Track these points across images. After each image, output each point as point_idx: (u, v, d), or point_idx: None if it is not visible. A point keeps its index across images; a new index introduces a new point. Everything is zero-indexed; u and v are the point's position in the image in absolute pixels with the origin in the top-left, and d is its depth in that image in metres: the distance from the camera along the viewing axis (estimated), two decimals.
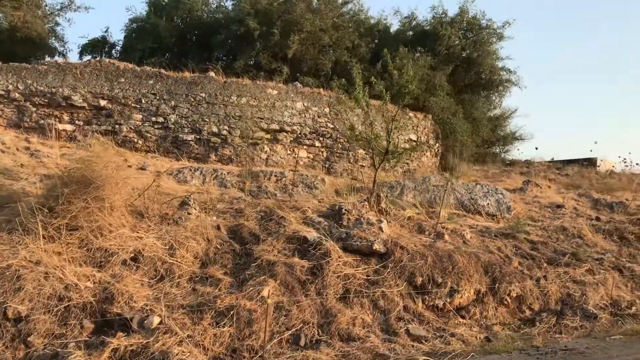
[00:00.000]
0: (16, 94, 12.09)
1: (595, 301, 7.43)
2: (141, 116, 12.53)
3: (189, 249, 6.07)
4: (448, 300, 6.49)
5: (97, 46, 17.53)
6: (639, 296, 8.04)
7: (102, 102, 12.44)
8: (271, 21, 15.60)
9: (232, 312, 5.15)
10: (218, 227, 6.71)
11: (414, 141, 16.29)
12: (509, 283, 7.02)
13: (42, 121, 12.06)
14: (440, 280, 6.58)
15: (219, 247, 6.35)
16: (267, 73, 15.34)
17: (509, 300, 6.95)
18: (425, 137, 16.90)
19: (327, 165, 13.99)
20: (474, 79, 18.71)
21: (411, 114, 16.40)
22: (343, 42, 16.23)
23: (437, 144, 17.76)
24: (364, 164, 14.72)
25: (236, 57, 15.62)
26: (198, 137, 12.64)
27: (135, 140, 12.40)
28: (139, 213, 6.42)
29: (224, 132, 12.75)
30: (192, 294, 5.51)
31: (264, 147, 13.08)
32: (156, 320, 4.87)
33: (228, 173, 10.44)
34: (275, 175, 10.50)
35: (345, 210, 7.36)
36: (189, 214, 6.72)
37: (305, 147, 13.77)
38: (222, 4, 17.90)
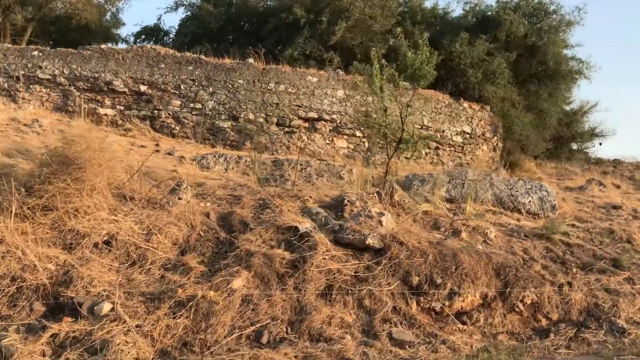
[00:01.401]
0: (62, 79, 12.45)
1: (628, 314, 6.54)
2: (180, 102, 12.55)
3: (168, 234, 5.84)
4: (446, 303, 5.89)
5: (149, 34, 17.85)
6: None
7: (143, 88, 12.57)
8: (320, 8, 15.20)
9: (191, 303, 4.86)
10: (207, 214, 6.44)
11: (468, 133, 15.44)
12: (524, 288, 6.30)
13: (84, 105, 12.33)
14: (439, 281, 5.98)
15: (202, 234, 6.08)
16: (317, 62, 14.97)
17: (522, 308, 6.23)
18: (482, 129, 15.96)
19: (367, 157, 13.48)
20: (538, 68, 17.46)
21: (465, 105, 15.56)
22: (395, 29, 15.56)
23: (496, 137, 16.73)
24: (407, 156, 14.08)
25: (285, 46, 15.38)
26: (234, 124, 12.51)
27: (173, 126, 12.44)
28: (126, 196, 6.26)
29: (260, 120, 12.55)
30: (159, 282, 5.27)
31: (301, 136, 12.75)
32: (107, 306, 4.66)
33: (254, 162, 10.19)
34: (300, 164, 10.14)
35: (348, 201, 6.88)
36: (179, 198, 6.50)
37: (345, 136, 13.34)
38: None
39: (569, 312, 6.41)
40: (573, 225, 9.26)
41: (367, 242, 6.06)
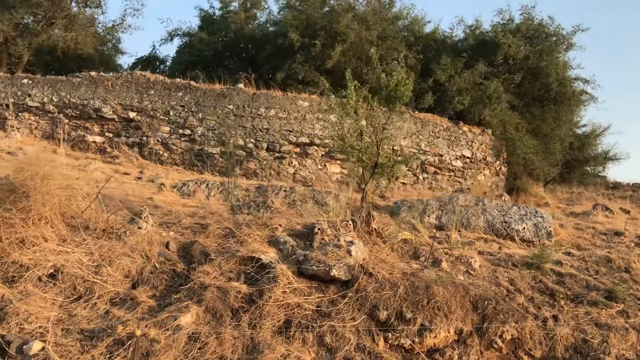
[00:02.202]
0: (50, 106, 12.36)
1: (619, 351, 6.04)
2: (169, 128, 12.37)
3: (119, 266, 5.52)
4: (416, 340, 5.46)
5: (145, 63, 17.84)
6: None
7: (132, 114, 12.42)
8: (315, 31, 15.05)
9: (130, 342, 4.52)
10: (167, 244, 6.13)
11: (468, 158, 15.03)
12: (503, 322, 5.86)
13: (73, 133, 12.20)
14: (409, 315, 5.57)
15: (157, 266, 5.76)
16: (308, 86, 14.78)
17: (502, 344, 5.78)
18: (483, 153, 15.55)
19: (359, 182, 13.11)
20: (541, 91, 17.07)
21: (465, 128, 15.20)
22: (390, 54, 15.34)
23: (498, 162, 16.29)
24: (405, 181, 13.70)
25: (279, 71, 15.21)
26: (223, 150, 12.27)
27: (161, 152, 12.24)
28: (79, 226, 5.97)
29: (250, 145, 12.30)
30: (102, 318, 4.94)
31: (291, 162, 12.46)
32: (37, 345, 4.33)
33: (236, 187, 9.90)
34: (285, 190, 9.83)
35: (319, 229, 6.53)
36: (139, 227, 6.20)
37: (338, 162, 13.01)
38: (271, 17, 17.60)
39: (553, 348, 5.94)
40: (568, 254, 8.79)
41: (332, 274, 5.69)
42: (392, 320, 5.52)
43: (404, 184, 13.76)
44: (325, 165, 12.81)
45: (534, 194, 18.83)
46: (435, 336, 5.54)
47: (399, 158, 7.66)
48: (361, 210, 7.16)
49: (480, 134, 15.51)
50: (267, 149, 12.30)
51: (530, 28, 16.42)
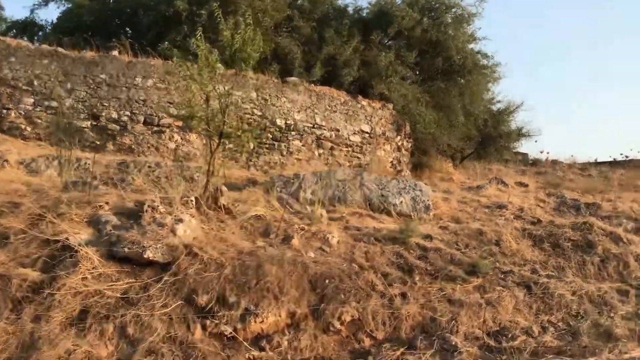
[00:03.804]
0: None
1: (469, 328, 5.71)
2: (33, 100, 11.20)
3: None
4: (239, 326, 4.88)
5: (20, 29, 16.30)
6: (545, 321, 6.30)
7: None
8: (204, 0, 14.09)
9: None
10: None
11: (367, 133, 14.61)
12: (343, 303, 5.38)
13: None
14: (233, 299, 4.98)
15: None
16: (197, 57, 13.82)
17: (341, 326, 5.30)
18: (382, 128, 15.17)
19: (252, 159, 12.45)
20: (444, 64, 16.86)
21: (364, 102, 14.74)
22: (284, 25, 14.61)
23: (399, 137, 15.98)
24: (300, 157, 13.13)
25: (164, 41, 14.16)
26: (95, 123, 11.25)
27: (23, 127, 11.08)
28: None
29: (125, 118, 11.34)
30: None
31: (172, 136, 11.61)
32: None
33: (95, 163, 9.00)
34: (148, 166, 9.02)
35: (150, 207, 5.81)
36: None
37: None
38: None
39: (398, 328, 5.52)
40: (442, 227, 8.49)
41: (147, 256, 5.00)
42: (213, 305, 4.91)
43: (298, 159, 13.19)
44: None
45: (440, 169, 18.78)
46: (263, 321, 4.98)
47: (248, 127, 7.00)
48: (207, 185, 6.49)
49: (380, 108, 15.13)
50: (145, 123, 11.38)
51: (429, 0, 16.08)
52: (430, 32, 15.56)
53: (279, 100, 12.85)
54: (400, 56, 15.09)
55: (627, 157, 25.17)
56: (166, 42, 13.39)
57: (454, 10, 15.83)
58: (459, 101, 17.39)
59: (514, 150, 29.06)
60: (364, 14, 16.99)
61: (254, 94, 12.52)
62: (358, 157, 14.49)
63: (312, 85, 13.77)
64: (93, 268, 4.84)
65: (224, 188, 6.67)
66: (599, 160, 26.56)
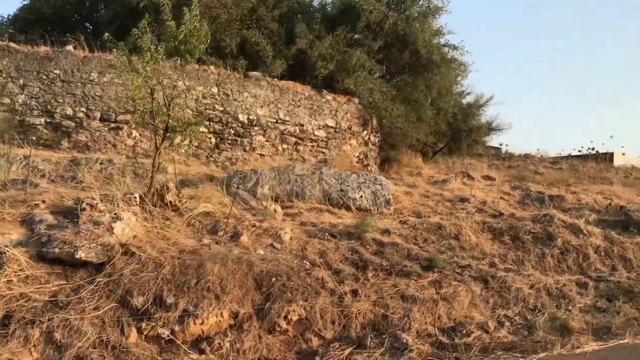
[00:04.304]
0: None
1: (422, 325, 5.57)
2: None
3: None
4: (177, 328, 4.66)
5: None
6: (501, 316, 6.19)
7: None
8: None
9: None
10: None
11: (332, 127, 14.42)
12: (289, 302, 5.18)
13: None
14: (170, 300, 4.75)
15: None
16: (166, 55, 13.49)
17: (287, 326, 5.10)
18: (348, 123, 14.99)
19: (213, 155, 12.17)
20: (411, 58, 16.73)
21: (329, 97, 14.53)
22: (249, 19, 14.33)
23: (366, 132, 15.83)
24: (263, 152, 12.89)
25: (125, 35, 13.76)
26: (49, 120, 10.87)
27: None
28: None
29: (80, 115, 10.97)
30: None
31: (131, 132, 11.28)
32: None
33: (44, 160, 8.67)
34: (100, 163, 8.71)
35: (88, 205, 5.54)
36: None
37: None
38: None
39: (348, 327, 5.35)
40: (402, 222, 8.36)
41: (79, 256, 4.75)
42: (149, 307, 4.68)
43: (261, 155, 12.96)
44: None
45: (408, 164, 18.66)
46: (203, 322, 4.77)
47: (193, 120, 6.71)
48: (152, 181, 6.23)
49: (345, 102, 14.94)
50: (101, 119, 11.02)
51: None
52: (397, 26, 15.39)
53: (241, 95, 12.60)
54: (368, 51, 14.90)
55: (593, 149, 25.32)
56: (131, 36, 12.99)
57: (420, 2, 15.71)
58: (427, 95, 17.29)
59: (487, 145, 29.15)
60: (329, 9, 16.77)
61: (215, 89, 12.25)
62: (323, 152, 14.30)
63: (276, 80, 13.53)
64: (20, 270, 4.57)
65: (171, 184, 6.42)
66: (572, 154, 26.77)
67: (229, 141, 12.47)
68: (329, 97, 14.52)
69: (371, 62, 15.10)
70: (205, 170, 10.91)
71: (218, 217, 6.55)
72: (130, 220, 5.38)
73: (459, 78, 20.74)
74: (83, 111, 10.99)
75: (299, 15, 15.59)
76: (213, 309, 4.82)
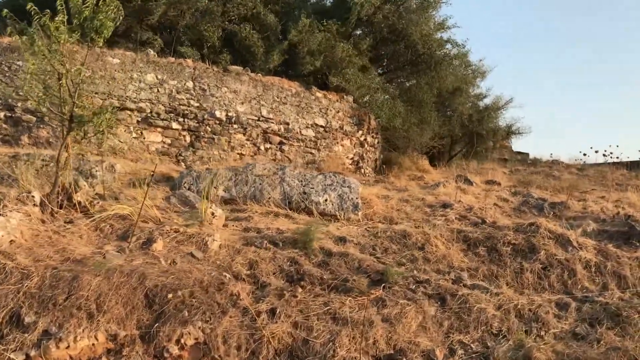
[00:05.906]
0: None
1: (350, 353, 4.69)
2: None
3: None
4: (33, 352, 3.89)
5: None
6: (455, 342, 5.28)
7: None
8: None
9: None
10: None
11: (322, 127, 13.60)
12: (184, 323, 4.38)
13: None
14: (30, 318, 3.99)
15: None
16: (140, 45, 12.90)
17: (180, 351, 4.30)
18: (340, 122, 14.16)
19: (187, 154, 11.46)
20: (411, 55, 15.80)
21: (319, 94, 13.72)
22: (234, 10, 13.60)
23: (361, 132, 14.97)
24: (243, 152, 12.15)
25: None
26: (9, 114, 10.30)
27: None
28: None
29: (43, 109, 10.35)
30: None
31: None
32: None
33: None
34: (42, 159, 8.06)
35: None
36: None
37: (159, 129, 11.27)
38: None
39: (258, 354, 4.52)
40: (367, 229, 7.48)
41: None
42: (2, 326, 3.93)
43: (241, 155, 12.21)
44: (142, 133, 11.05)
45: (410, 167, 17.71)
46: (69, 346, 3.99)
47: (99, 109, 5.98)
48: (56, 179, 5.50)
49: (337, 100, 14.11)
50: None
51: None
52: (391, 19, 14.48)
53: (219, 91, 11.87)
54: (358, 46, 14.05)
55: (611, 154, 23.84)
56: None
57: None
58: (430, 95, 16.33)
59: (513, 150, 28.05)
60: (319, 2, 15.98)
61: (190, 84, 11.54)
62: (312, 153, 13.49)
63: (259, 75, 12.77)
64: None
65: (82, 182, 5.71)
66: (608, 161, 25.28)
67: (205, 139, 11.75)
68: (319, 94, 13.71)
69: (362, 57, 14.22)
70: (172, 169, 10.20)
71: (135, 221, 5.78)
72: (9, 222, 4.64)
73: (477, 79, 19.78)
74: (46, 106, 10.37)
75: (293, 11, 14.81)
76: (83, 330, 4.04)
